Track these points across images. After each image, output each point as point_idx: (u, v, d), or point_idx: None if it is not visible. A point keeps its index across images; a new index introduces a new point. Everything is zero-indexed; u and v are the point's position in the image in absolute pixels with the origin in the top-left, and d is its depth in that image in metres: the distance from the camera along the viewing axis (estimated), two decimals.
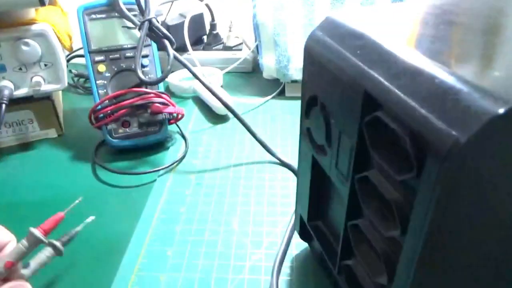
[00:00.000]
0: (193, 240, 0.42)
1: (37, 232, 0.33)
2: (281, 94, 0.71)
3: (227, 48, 0.79)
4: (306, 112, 0.31)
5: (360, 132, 0.24)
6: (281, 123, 0.62)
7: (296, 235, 0.41)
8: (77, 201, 0.36)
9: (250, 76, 0.78)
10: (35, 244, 0.33)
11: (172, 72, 0.73)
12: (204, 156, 0.55)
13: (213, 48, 0.80)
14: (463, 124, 0.17)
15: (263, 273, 0.38)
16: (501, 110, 0.16)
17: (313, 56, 0.28)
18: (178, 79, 0.72)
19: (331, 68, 0.26)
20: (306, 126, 0.32)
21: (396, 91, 0.20)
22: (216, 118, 0.64)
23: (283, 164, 0.53)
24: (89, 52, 0.53)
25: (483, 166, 0.18)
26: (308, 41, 0.29)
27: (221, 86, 0.72)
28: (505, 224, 0.21)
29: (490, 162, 0.18)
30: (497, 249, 0.22)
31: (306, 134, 0.32)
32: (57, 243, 0.35)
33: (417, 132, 0.19)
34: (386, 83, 0.21)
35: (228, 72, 0.75)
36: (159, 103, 0.53)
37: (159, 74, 0.55)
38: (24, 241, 0.33)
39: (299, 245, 0.41)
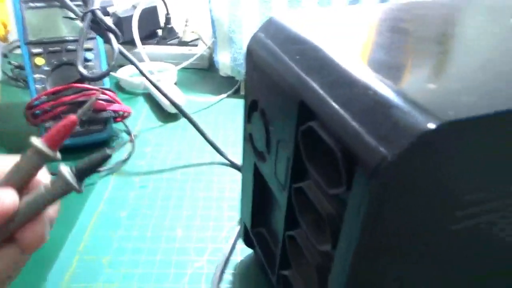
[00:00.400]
0: (132, 247, 0.40)
1: (38, 142, 0.22)
2: (237, 93, 0.69)
3: (182, 43, 0.77)
4: (248, 117, 0.30)
5: (296, 141, 0.23)
6: (235, 122, 0.61)
7: (241, 241, 0.40)
8: (92, 99, 0.24)
9: (206, 73, 0.76)
10: (36, 163, 0.23)
11: (122, 67, 0.69)
12: (151, 157, 0.53)
13: (168, 42, 0.77)
14: (391, 140, 0.16)
15: (203, 282, 0.37)
16: (431, 126, 0.16)
17: (254, 59, 0.27)
18: (128, 74, 0.69)
19: (270, 73, 0.25)
20: (248, 131, 0.31)
21: (330, 101, 0.19)
22: (167, 116, 0.61)
23: (233, 165, 0.52)
24: (26, 44, 0.49)
25: (412, 181, 0.17)
26: (250, 42, 0.28)
27: (175, 83, 0.70)
28: (436, 237, 0.21)
29: (420, 177, 0.17)
30: (428, 262, 0.22)
31: (248, 139, 0.31)
32: (69, 172, 0.22)
33: (348, 145, 0.18)
34: (321, 92, 0.20)
35: (183, 68, 0.72)
36: (103, 100, 0.50)
37: (105, 69, 0.52)
38: (21, 160, 0.23)
39: (245, 250, 0.40)
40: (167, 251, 0.40)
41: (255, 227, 0.35)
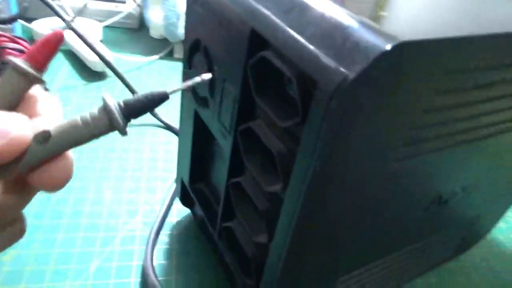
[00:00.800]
0: (52, 210, 0.36)
1: (19, 61, 0.18)
2: (170, 55, 0.65)
3: None
4: (188, 60, 0.28)
5: (245, 78, 0.21)
6: (168, 85, 0.57)
7: (177, 202, 0.38)
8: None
9: (136, 33, 0.70)
10: (17, 87, 0.18)
11: (39, 19, 0.61)
12: (72, 116, 0.48)
13: None
14: (352, 60, 0.15)
15: (138, 244, 0.34)
16: (388, 47, 0.15)
17: None
18: (46, 28, 0.61)
19: (215, 5, 0.23)
20: (188, 76, 0.28)
21: (285, 27, 0.18)
22: (90, 75, 0.56)
23: (167, 127, 0.49)
24: None
25: (369, 104, 0.16)
26: None
27: (100, 41, 0.64)
28: (382, 172, 0.21)
29: (378, 100, 0.17)
30: (372, 202, 0.22)
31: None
32: (115, 106, 0.17)
33: (305, 71, 0.17)
34: (275, 19, 0.19)
35: (110, 27, 0.66)
36: (14, 49, 0.44)
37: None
38: (5, 78, 0.18)
39: (181, 212, 0.38)
40: (94, 214, 0.36)
41: (194, 183, 0.33)
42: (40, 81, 0.18)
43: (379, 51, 0.15)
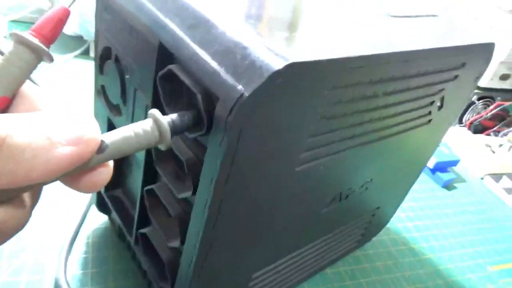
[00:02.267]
0: None
1: (26, 35, 0.17)
2: (86, 54, 0.62)
3: None
4: (100, 67, 0.27)
5: (155, 88, 0.22)
6: (82, 86, 0.55)
7: (95, 208, 0.37)
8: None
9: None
10: (28, 64, 0.17)
11: None
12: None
13: None
14: (248, 78, 0.17)
15: (51, 255, 0.33)
16: (280, 66, 0.17)
17: (105, 1, 0.24)
18: None
19: (125, 14, 0.23)
20: (100, 83, 0.28)
21: (190, 43, 0.19)
22: None
23: None
24: None
25: (266, 117, 0.18)
26: None
27: (4, 37, 0.59)
28: (285, 177, 0.23)
29: (273, 114, 0.18)
30: (278, 204, 0.24)
31: (100, 92, 0.28)
32: (169, 123, 0.18)
33: (207, 86, 0.18)
34: (180, 34, 0.20)
35: (17, 21, 0.61)
36: None
37: None
38: (7, 60, 0.17)
39: (99, 218, 0.38)
40: None
41: (110, 190, 0.33)
42: (50, 57, 0.18)
43: (272, 70, 0.17)
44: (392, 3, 0.32)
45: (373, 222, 0.41)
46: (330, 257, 0.39)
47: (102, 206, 0.36)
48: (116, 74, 0.25)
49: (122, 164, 0.31)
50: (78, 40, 0.63)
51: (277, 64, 0.17)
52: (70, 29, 0.61)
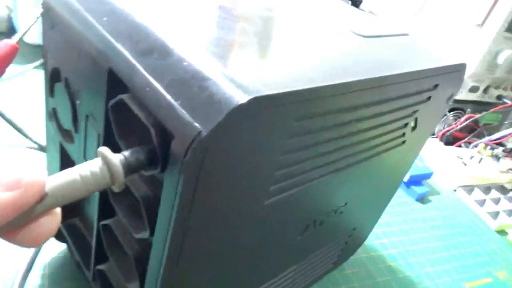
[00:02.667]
0: None
1: None
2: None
3: None
4: (50, 88, 0.25)
5: (107, 117, 0.20)
6: (40, 100, 0.52)
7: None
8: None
9: (5, 37, 0.62)
10: None
11: None
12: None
13: None
14: (206, 115, 0.15)
15: None
16: (243, 100, 0.15)
17: (52, 18, 0.22)
18: None
19: (72, 35, 0.21)
20: (51, 106, 0.26)
21: (142, 71, 0.17)
22: None
23: (42, 148, 0.44)
24: None
25: (227, 155, 0.16)
26: None
27: None
28: (254, 212, 0.21)
29: (235, 151, 0.17)
30: (248, 239, 0.23)
31: (52, 115, 0.26)
32: (121, 161, 0.17)
33: (161, 120, 0.16)
34: (131, 60, 0.18)
35: None
36: None
37: None
38: None
39: (57, 247, 0.35)
40: None
41: (66, 218, 0.30)
42: None
43: (232, 105, 0.15)
44: (359, 20, 0.31)
45: (349, 243, 0.39)
46: (306, 281, 0.37)
47: (58, 234, 0.33)
48: (67, 99, 0.23)
49: None
50: (38, 49, 0.59)
51: (238, 98, 0.15)
52: (29, 37, 0.58)
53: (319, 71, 0.19)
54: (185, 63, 0.17)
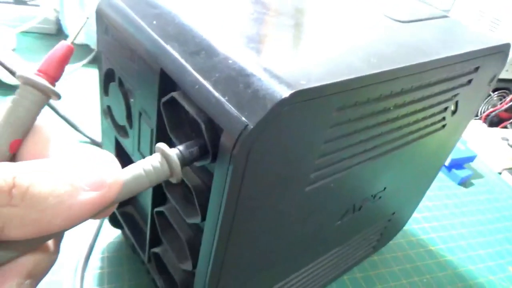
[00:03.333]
0: None
1: (33, 75, 0.17)
2: (94, 62, 0.62)
3: (20, 2, 0.65)
4: (104, 88, 0.27)
5: (159, 113, 0.21)
6: (92, 95, 0.55)
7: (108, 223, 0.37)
8: (86, 20, 0.21)
9: (54, 38, 0.66)
10: (37, 105, 0.17)
11: None
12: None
13: (1, 1, 0.64)
14: (252, 109, 0.16)
15: (66, 272, 0.33)
16: (286, 95, 0.16)
17: (106, 23, 0.24)
18: None
19: (125, 38, 0.22)
20: (106, 103, 0.28)
21: (191, 70, 0.19)
22: (4, 88, 0.52)
23: (94, 142, 0.47)
24: None
25: (272, 146, 0.18)
26: (99, 4, 0.25)
27: (14, 50, 0.59)
28: (296, 198, 0.22)
29: (279, 142, 0.18)
30: (291, 223, 0.24)
31: (107, 112, 0.28)
32: (178, 155, 0.18)
33: (210, 116, 0.17)
34: (181, 60, 0.19)
35: (24, 33, 0.62)
36: None
37: None
38: (16, 104, 0.17)
39: (113, 232, 0.38)
40: None
41: (121, 206, 0.33)
42: (57, 96, 0.18)
43: (276, 100, 0.16)
44: (395, 5, 0.31)
45: (389, 227, 0.40)
46: (346, 264, 0.38)
47: (114, 221, 0.36)
48: (121, 97, 0.25)
49: None
50: (84, 48, 0.63)
51: (281, 93, 0.16)
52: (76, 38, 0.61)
53: (358, 60, 0.20)
54: (230, 61, 0.18)
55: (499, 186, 0.59)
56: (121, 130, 0.27)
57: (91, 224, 0.38)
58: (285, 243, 0.25)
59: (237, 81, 0.17)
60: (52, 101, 0.46)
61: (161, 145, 0.17)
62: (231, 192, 0.18)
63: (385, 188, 0.32)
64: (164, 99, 0.20)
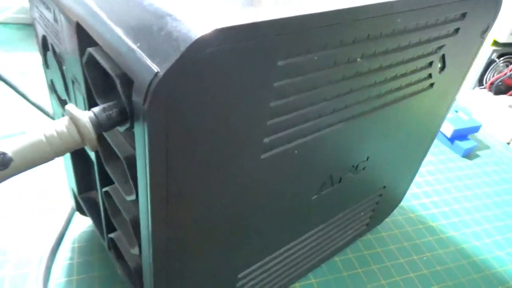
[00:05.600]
0: None
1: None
2: None
3: None
4: (44, 59, 0.24)
5: (85, 77, 0.19)
6: None
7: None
8: None
9: (32, 28, 0.64)
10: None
11: None
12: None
13: None
14: (164, 55, 0.13)
15: (34, 265, 0.31)
16: (203, 33, 0.13)
17: None
18: None
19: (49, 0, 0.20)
20: (49, 77, 0.25)
21: (104, 19, 0.16)
22: None
23: (44, 112, 0.45)
24: None
25: (200, 99, 0.15)
26: None
27: None
28: (250, 167, 0.19)
29: (208, 95, 0.15)
30: (250, 197, 0.21)
31: (51, 87, 0.26)
32: (91, 118, 0.16)
33: (123, 69, 0.15)
34: (95, 9, 0.16)
35: (3, 24, 0.60)
36: None
37: None
38: None
39: (85, 221, 0.36)
40: None
41: (83, 192, 0.31)
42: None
43: (190, 40, 0.13)
44: None
45: (381, 203, 0.37)
46: (335, 244, 0.35)
47: (81, 209, 0.33)
48: (56, 66, 0.22)
49: (88, 163, 0.29)
50: None
51: (198, 32, 0.13)
52: None
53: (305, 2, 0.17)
54: (145, 3, 0.15)
55: (507, 156, 0.55)
56: (64, 104, 0.24)
57: (60, 214, 0.36)
58: (245, 219, 0.22)
59: (151, 25, 0.14)
60: (23, 89, 0.44)
61: (70, 107, 0.15)
62: (153, 159, 0.15)
63: (368, 158, 0.28)
64: (84, 59, 0.17)
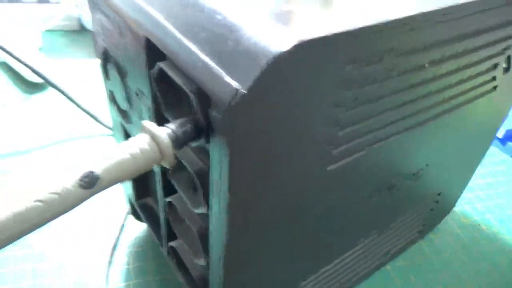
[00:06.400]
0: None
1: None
2: None
3: (43, 1, 0.65)
4: (104, 71, 0.25)
5: (154, 91, 0.19)
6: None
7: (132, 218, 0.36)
8: None
9: (77, 34, 0.66)
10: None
11: None
12: (13, 135, 0.45)
13: (24, 1, 0.65)
14: (244, 71, 0.13)
15: (91, 267, 0.32)
16: (279, 50, 0.13)
17: None
18: None
19: (114, 14, 0.20)
20: (109, 88, 0.26)
21: (174, 32, 0.16)
22: (31, 87, 0.52)
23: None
24: None
25: (276, 115, 0.15)
26: None
27: (40, 49, 0.60)
28: (317, 179, 0.19)
29: (285, 109, 0.15)
30: (315, 207, 0.21)
31: (111, 98, 0.26)
32: (169, 134, 0.16)
33: (199, 84, 0.15)
34: (163, 23, 0.16)
35: (50, 31, 0.62)
36: None
37: None
38: None
39: (139, 226, 0.36)
40: (40, 242, 0.34)
41: (140, 199, 0.31)
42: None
43: (271, 55, 0.13)
44: None
45: (435, 210, 0.36)
46: (389, 252, 0.34)
47: (137, 214, 0.34)
48: (119, 78, 0.23)
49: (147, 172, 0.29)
50: None
51: (278, 47, 0.13)
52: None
53: (374, 6, 0.16)
54: (218, 17, 0.15)
55: None
56: (125, 115, 0.25)
57: (115, 220, 0.36)
58: (308, 228, 0.22)
59: (225, 38, 0.14)
60: (78, 94, 0.45)
61: (148, 124, 0.15)
62: (230, 174, 0.15)
63: (427, 165, 0.27)
64: (153, 73, 0.18)
